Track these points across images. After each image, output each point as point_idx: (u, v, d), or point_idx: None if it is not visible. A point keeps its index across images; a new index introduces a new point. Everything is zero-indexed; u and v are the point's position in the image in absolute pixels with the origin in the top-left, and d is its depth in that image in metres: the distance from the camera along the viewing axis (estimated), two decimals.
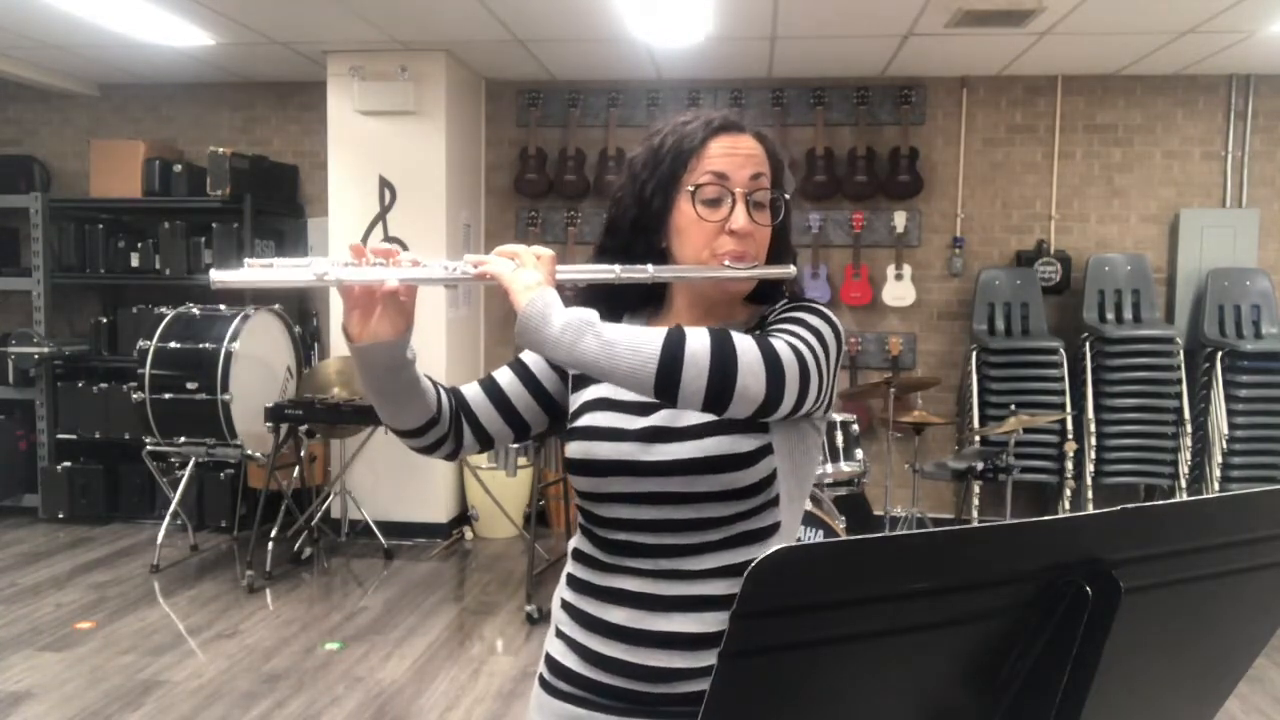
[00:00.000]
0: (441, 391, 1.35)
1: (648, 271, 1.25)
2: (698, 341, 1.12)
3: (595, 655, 1.29)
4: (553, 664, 1.35)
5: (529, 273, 1.17)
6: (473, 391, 1.39)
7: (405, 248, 5.39)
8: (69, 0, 4.53)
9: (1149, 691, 0.92)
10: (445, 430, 1.35)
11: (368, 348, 1.24)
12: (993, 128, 5.86)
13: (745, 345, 1.13)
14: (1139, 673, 0.88)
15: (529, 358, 1.41)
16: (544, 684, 1.37)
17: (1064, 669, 0.81)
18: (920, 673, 0.81)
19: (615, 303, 1.37)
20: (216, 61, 5.70)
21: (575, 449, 1.31)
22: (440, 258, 1.22)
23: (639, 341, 1.12)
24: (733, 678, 0.75)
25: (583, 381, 1.37)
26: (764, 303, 1.37)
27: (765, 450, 1.25)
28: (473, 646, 4.06)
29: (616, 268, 1.24)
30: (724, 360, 1.11)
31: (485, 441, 1.39)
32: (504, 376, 1.41)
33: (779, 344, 1.16)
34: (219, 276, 1.15)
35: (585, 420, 1.33)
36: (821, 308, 1.30)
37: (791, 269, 1.33)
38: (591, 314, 1.14)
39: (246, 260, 1.17)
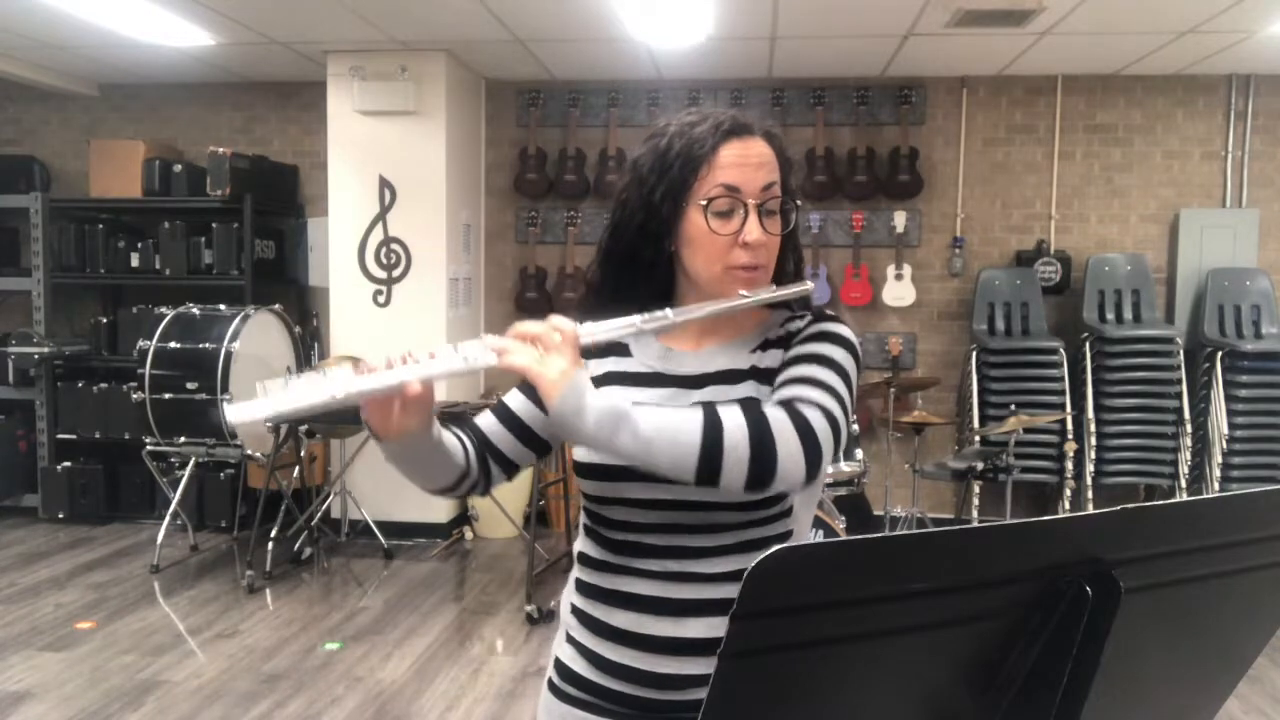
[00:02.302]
0: (465, 441, 1.34)
1: (668, 317, 1.21)
2: (736, 430, 1.11)
3: (604, 661, 1.28)
4: (562, 668, 1.34)
5: (554, 360, 1.13)
6: (489, 423, 1.38)
7: (408, 254, 5.28)
8: (69, 0, 4.53)
9: (1149, 691, 0.92)
10: (476, 477, 1.35)
11: (399, 446, 1.23)
12: (993, 128, 5.85)
13: (782, 427, 1.12)
14: (1139, 672, 0.88)
15: None
16: (553, 688, 1.36)
17: (1064, 669, 0.81)
18: (920, 673, 0.81)
19: (621, 306, 1.36)
20: (216, 61, 5.70)
21: (584, 452, 1.29)
22: (449, 345, 1.17)
23: (675, 434, 1.11)
24: (732, 678, 0.75)
25: (594, 383, 1.35)
26: (773, 304, 1.36)
27: None
28: (473, 646, 4.06)
29: (637, 320, 1.21)
30: (764, 451, 1.11)
31: (511, 469, 1.39)
32: (515, 400, 1.39)
33: (813, 416, 1.14)
34: (236, 416, 1.10)
35: None
36: (843, 331, 1.28)
37: (809, 285, 1.29)
38: (623, 404, 1.12)
39: (259, 385, 1.11)
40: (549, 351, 1.13)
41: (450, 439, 1.31)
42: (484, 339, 1.16)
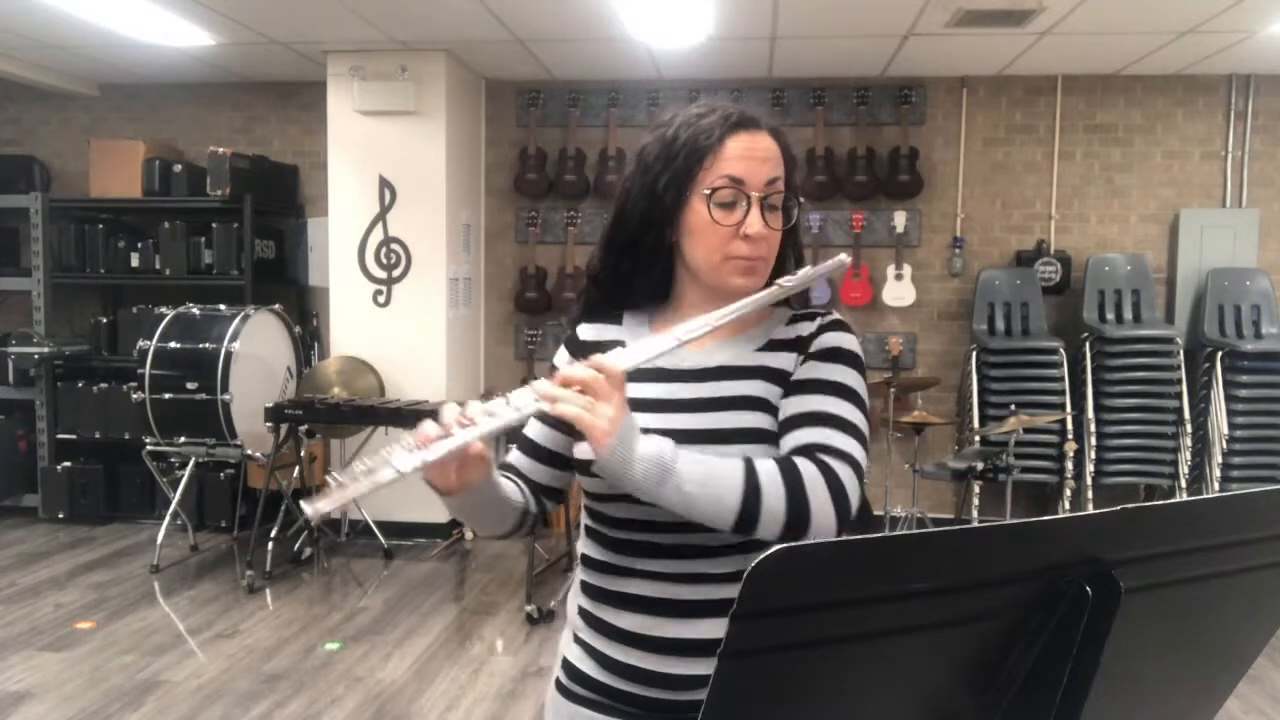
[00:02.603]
0: (519, 481, 1.37)
1: (707, 325, 1.20)
2: (773, 489, 1.15)
3: (612, 661, 1.28)
4: (569, 669, 1.34)
5: (603, 409, 1.12)
6: (521, 460, 1.40)
7: (408, 254, 5.24)
8: (69, 0, 4.53)
9: (1149, 691, 0.92)
10: (536, 512, 1.38)
11: (462, 499, 1.24)
12: (993, 128, 5.85)
13: (815, 486, 1.16)
14: (1139, 673, 0.88)
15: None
16: (560, 688, 1.36)
17: (1064, 669, 0.81)
18: (920, 673, 0.81)
19: (620, 299, 1.37)
20: (216, 61, 5.70)
21: (586, 449, 1.26)
22: (501, 399, 1.17)
23: (716, 490, 1.15)
24: (732, 678, 0.75)
25: None
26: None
27: None
28: (473, 646, 4.06)
29: (679, 331, 1.19)
30: (798, 510, 1.15)
31: (558, 496, 1.41)
32: (535, 429, 1.40)
33: (842, 470, 1.19)
34: (314, 509, 1.11)
35: None
36: (852, 346, 1.30)
37: (845, 258, 1.31)
38: (668, 455, 1.14)
39: (330, 478, 1.12)
40: (598, 398, 1.12)
41: (506, 483, 1.33)
42: (534, 387, 1.15)
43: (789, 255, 1.35)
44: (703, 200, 1.25)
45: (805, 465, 1.18)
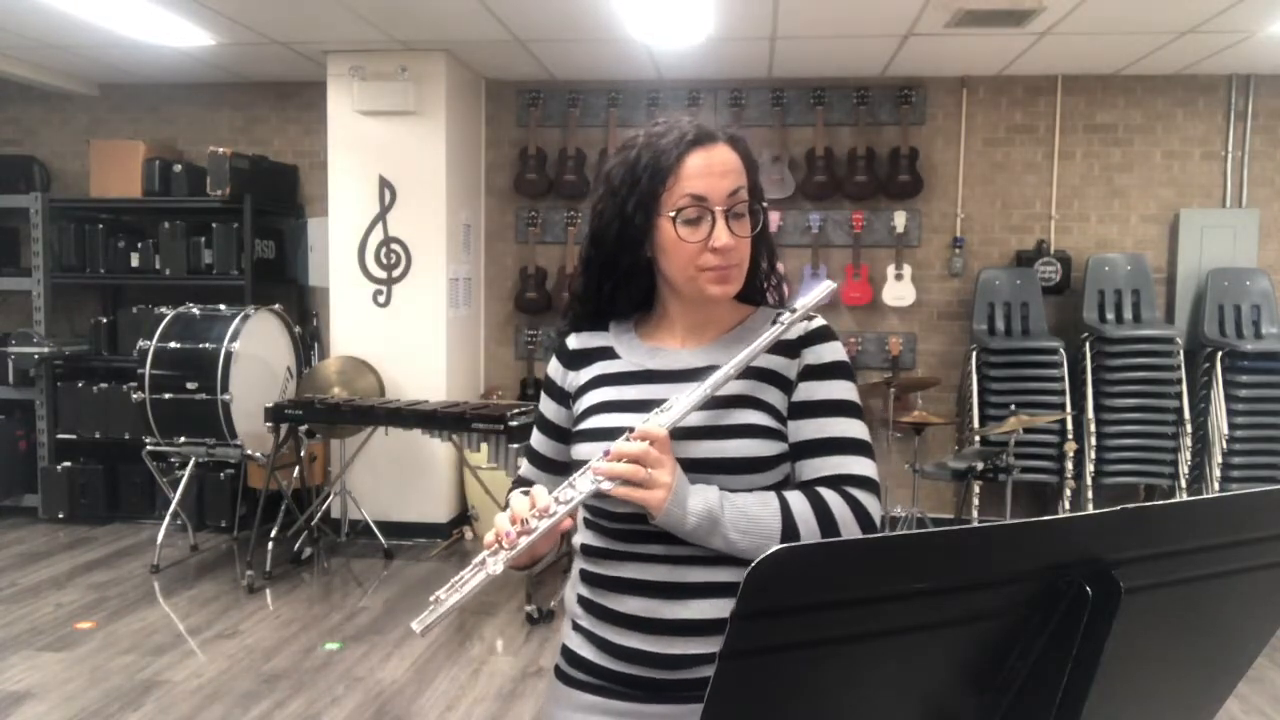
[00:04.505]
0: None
1: (729, 373, 1.27)
2: (810, 534, 1.25)
3: (613, 645, 1.31)
4: (570, 655, 1.37)
5: (659, 477, 1.22)
6: (536, 475, 1.45)
7: (408, 254, 5.26)
8: (69, 0, 4.53)
9: (1149, 691, 0.92)
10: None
11: (542, 569, 1.35)
12: (993, 128, 5.85)
13: (846, 521, 1.26)
14: (1139, 673, 0.88)
15: (547, 409, 1.46)
16: (560, 675, 1.39)
17: (1064, 669, 0.81)
18: (920, 673, 0.81)
19: (604, 312, 1.42)
20: (216, 61, 5.70)
21: (587, 450, 1.32)
22: (567, 483, 1.25)
23: (758, 537, 1.23)
24: (733, 678, 0.75)
25: (585, 388, 1.39)
26: (749, 300, 1.41)
27: (786, 456, 1.31)
28: (473, 646, 4.06)
29: (706, 388, 1.26)
30: None
31: None
32: (544, 445, 1.46)
33: (867, 500, 1.28)
34: (422, 626, 1.20)
35: (593, 422, 1.35)
36: (843, 356, 1.35)
37: (830, 284, 1.36)
38: (715, 507, 1.24)
39: (431, 598, 1.20)
40: (651, 467, 1.22)
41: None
42: (592, 469, 1.24)
43: (762, 255, 1.39)
44: (669, 221, 1.29)
45: (833, 500, 1.26)
